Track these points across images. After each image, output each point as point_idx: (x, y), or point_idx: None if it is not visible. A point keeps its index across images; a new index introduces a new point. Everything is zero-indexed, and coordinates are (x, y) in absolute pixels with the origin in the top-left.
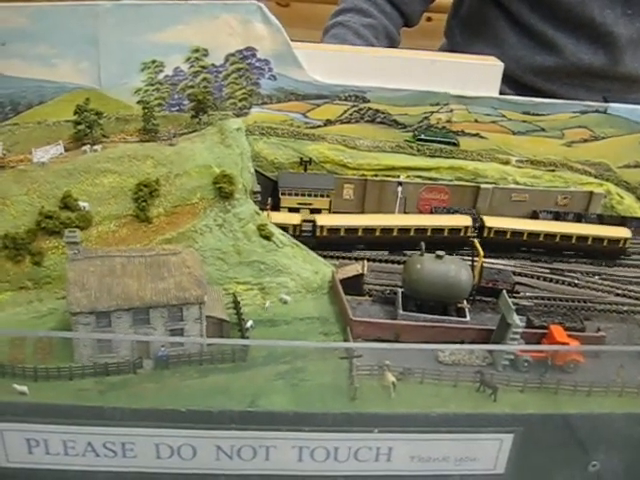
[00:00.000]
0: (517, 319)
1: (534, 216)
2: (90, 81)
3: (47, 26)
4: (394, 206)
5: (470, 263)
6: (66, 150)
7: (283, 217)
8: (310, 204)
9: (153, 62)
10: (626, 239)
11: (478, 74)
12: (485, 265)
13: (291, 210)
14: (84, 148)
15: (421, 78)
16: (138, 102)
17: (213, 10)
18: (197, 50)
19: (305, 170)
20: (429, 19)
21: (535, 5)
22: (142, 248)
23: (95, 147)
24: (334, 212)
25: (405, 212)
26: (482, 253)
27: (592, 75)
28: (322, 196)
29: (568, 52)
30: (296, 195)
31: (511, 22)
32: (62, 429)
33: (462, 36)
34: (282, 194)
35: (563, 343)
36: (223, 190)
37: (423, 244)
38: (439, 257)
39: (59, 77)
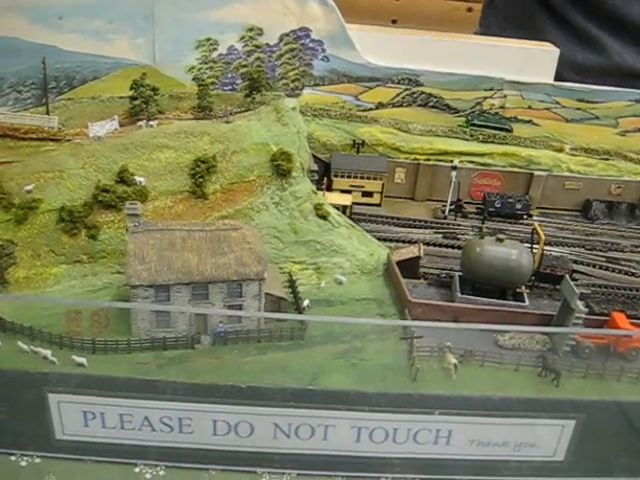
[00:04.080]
0: (580, 304)
1: (587, 206)
2: (145, 58)
3: (104, 0)
4: (446, 191)
5: (529, 248)
6: (121, 125)
7: None
8: (362, 186)
9: (208, 40)
10: (345, 206)
11: (533, 59)
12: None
13: (343, 192)
14: (140, 123)
15: (475, 62)
16: (193, 79)
17: None
18: (252, 29)
19: (358, 152)
20: (470, 9)
21: (577, 2)
22: (202, 223)
23: (151, 123)
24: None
25: (458, 197)
26: (544, 238)
27: (634, 77)
28: (375, 179)
29: (613, 52)
30: (348, 177)
31: (552, 16)
32: (119, 402)
33: (498, 26)
34: (335, 176)
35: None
36: (281, 168)
37: (483, 227)
38: (500, 240)
39: (114, 53)
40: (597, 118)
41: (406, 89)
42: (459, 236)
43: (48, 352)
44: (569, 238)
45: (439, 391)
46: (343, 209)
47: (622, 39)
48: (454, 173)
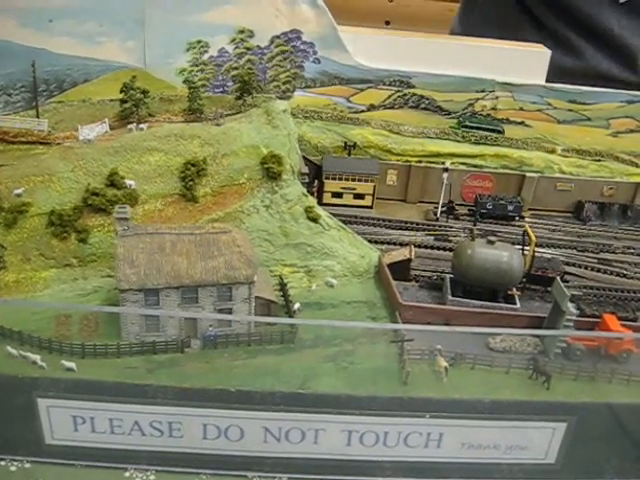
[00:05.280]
0: (571, 307)
1: (579, 207)
2: (135, 60)
3: (95, 3)
4: (438, 192)
5: (521, 250)
6: (111, 128)
7: None
8: (354, 189)
9: (198, 42)
10: None
11: (524, 61)
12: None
13: (334, 195)
14: (130, 126)
15: (467, 64)
16: (184, 82)
17: None
18: (242, 31)
19: (349, 154)
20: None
21: (553, 7)
22: (192, 226)
23: (141, 126)
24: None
25: (450, 199)
26: (535, 240)
27: (611, 80)
28: (366, 181)
29: (588, 56)
30: (340, 179)
31: (531, 19)
32: (109, 407)
33: (479, 26)
34: (326, 178)
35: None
36: (271, 170)
37: (474, 229)
38: (491, 242)
39: (105, 55)
40: (589, 119)
41: (398, 91)
42: (450, 238)
43: (37, 357)
44: (561, 240)
45: (430, 394)
46: None
47: (596, 44)
48: (446, 175)
